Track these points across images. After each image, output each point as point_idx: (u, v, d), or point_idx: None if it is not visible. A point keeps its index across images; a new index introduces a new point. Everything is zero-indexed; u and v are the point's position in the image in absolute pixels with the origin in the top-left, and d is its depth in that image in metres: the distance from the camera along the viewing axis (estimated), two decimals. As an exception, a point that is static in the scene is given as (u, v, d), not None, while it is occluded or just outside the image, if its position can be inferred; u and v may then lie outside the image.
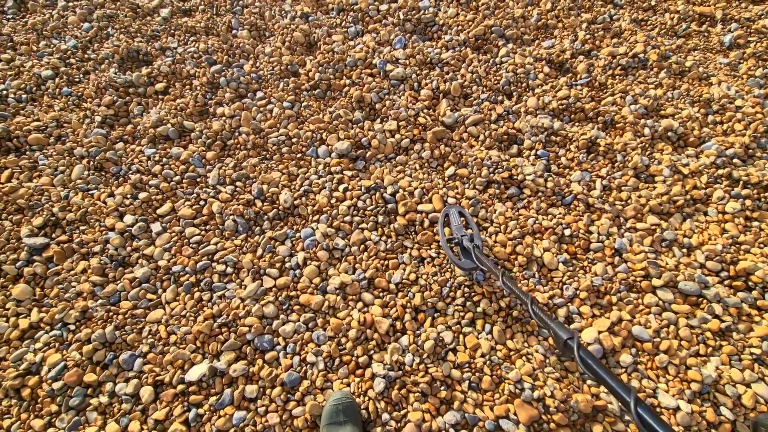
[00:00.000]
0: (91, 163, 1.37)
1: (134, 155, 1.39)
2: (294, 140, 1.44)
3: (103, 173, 1.37)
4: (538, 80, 1.61)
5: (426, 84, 1.58)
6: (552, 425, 1.04)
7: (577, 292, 1.19)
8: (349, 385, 1.08)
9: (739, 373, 1.09)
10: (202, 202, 1.31)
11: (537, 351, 1.12)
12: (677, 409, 1.04)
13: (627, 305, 1.18)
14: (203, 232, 1.27)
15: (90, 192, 1.32)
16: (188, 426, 1.01)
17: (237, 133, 1.45)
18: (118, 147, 1.41)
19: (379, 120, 1.50)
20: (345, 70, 1.62)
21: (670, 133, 1.50)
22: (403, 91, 1.57)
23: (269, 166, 1.39)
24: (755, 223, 1.32)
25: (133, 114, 1.50)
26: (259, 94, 1.55)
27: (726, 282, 1.22)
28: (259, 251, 1.24)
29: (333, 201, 1.32)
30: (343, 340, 1.12)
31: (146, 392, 1.03)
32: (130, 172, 1.36)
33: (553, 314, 1.18)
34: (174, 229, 1.26)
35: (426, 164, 1.43)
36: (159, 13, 1.91)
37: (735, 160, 1.44)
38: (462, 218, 1.25)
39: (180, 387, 1.04)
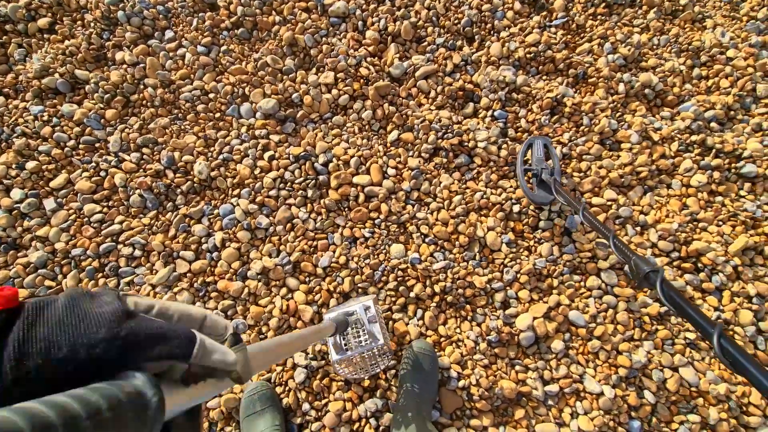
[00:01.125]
0: (-34, 123, 1.15)
1: (18, 113, 1.17)
2: (211, 96, 1.22)
3: (-18, 136, 1.16)
4: (506, 20, 1.36)
5: (372, 23, 1.32)
6: (474, 411, 1.04)
7: (518, 275, 1.12)
8: (269, 372, 1.04)
9: (669, 357, 1.08)
10: (102, 173, 1.14)
11: (468, 337, 1.08)
12: (600, 394, 1.04)
13: (568, 289, 1.12)
14: (105, 209, 1.12)
15: (-33, 160, 1.13)
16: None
17: (142, 86, 1.22)
18: (-3, 102, 1.19)
19: (314, 70, 1.28)
20: (274, 2, 1.33)
21: (647, 90, 1.32)
22: (344, 33, 1.32)
23: (182, 128, 1.20)
24: (719, 198, 1.22)
25: (13, 59, 1.24)
26: (169, 33, 1.27)
27: (675, 263, 1.16)
28: (172, 231, 1.11)
29: (257, 172, 1.16)
30: (264, 328, 1.05)
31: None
32: (15, 135, 1.15)
33: (491, 298, 1.12)
34: (71, 206, 1.11)
35: (366, 127, 1.25)
36: None
37: (712, 124, 1.29)
38: (545, 150, 1.19)
39: (87, 381, 0.98)
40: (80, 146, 1.15)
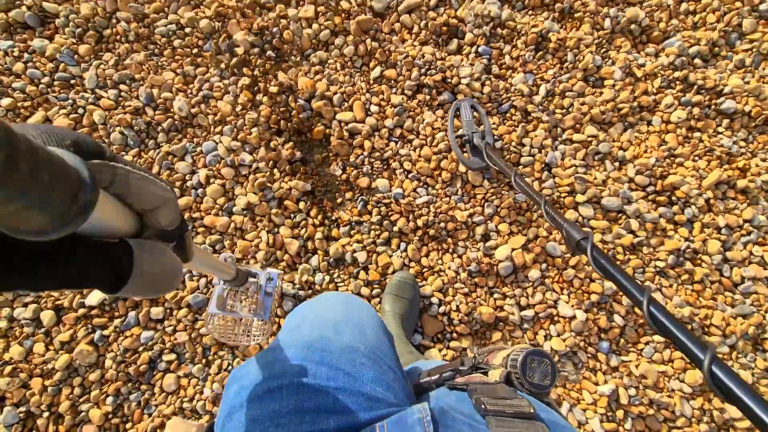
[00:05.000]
0: (-68, 59, 1.11)
1: (-14, 49, 1.13)
2: (188, 30, 1.18)
3: (-49, 73, 1.13)
4: (493, -49, 1.31)
5: (354, -46, 1.27)
6: (454, 335, 1.10)
7: (498, 209, 1.15)
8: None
9: (639, 284, 1.14)
10: (81, 110, 1.12)
11: (450, 268, 1.12)
12: (573, 317, 1.11)
13: (546, 222, 1.15)
14: (87, 147, 1.11)
15: (-62, 98, 1.10)
16: (95, 346, 1.02)
17: (114, 20, 1.17)
18: (-36, 38, 1.14)
19: (294, 2, 1.23)
20: (250, -70, 1.26)
21: (633, 26, 1.30)
22: (324, -36, 1.26)
23: (159, 64, 1.17)
24: (696, 134, 1.25)
25: (-25, -9, 1.18)
26: (140, -36, 1.21)
27: (651, 197, 1.19)
28: (155, 168, 1.11)
29: (238, 109, 1.15)
30: (252, 261, 1.09)
31: (47, 316, 1.01)
32: (-14, 71, 1.12)
33: (472, 232, 1.16)
34: (51, 144, 1.10)
35: (349, 63, 1.23)
36: None
37: (696, 60, 1.29)
38: (474, 113, 1.15)
39: (81, 311, 1.02)
40: (55, 83, 1.12)
